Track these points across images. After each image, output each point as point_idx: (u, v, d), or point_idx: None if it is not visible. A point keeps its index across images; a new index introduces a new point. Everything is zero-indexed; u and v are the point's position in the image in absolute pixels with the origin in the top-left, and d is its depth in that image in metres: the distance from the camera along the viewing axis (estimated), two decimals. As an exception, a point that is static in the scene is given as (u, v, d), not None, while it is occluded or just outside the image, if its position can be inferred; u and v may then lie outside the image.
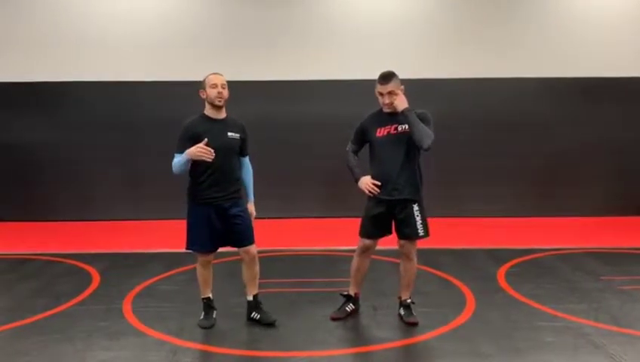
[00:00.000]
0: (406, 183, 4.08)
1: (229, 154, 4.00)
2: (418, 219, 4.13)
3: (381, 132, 4.10)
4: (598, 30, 8.66)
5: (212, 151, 3.79)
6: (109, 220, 8.48)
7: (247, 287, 4.28)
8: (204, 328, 4.11)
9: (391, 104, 4.02)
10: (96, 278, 5.48)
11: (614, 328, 4.10)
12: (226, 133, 4.00)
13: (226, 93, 4.01)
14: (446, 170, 8.61)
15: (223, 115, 4.04)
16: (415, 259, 4.25)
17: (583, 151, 8.71)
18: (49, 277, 5.56)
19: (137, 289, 5.12)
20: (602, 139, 8.69)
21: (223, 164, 3.95)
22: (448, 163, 8.61)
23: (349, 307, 4.38)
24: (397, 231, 4.21)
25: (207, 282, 4.22)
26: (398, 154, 4.05)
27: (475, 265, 5.93)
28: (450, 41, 8.68)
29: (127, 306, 4.65)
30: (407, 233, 4.14)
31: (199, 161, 3.85)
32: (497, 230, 7.88)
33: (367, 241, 4.25)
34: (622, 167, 8.77)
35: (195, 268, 4.32)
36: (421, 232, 4.15)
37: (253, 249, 4.15)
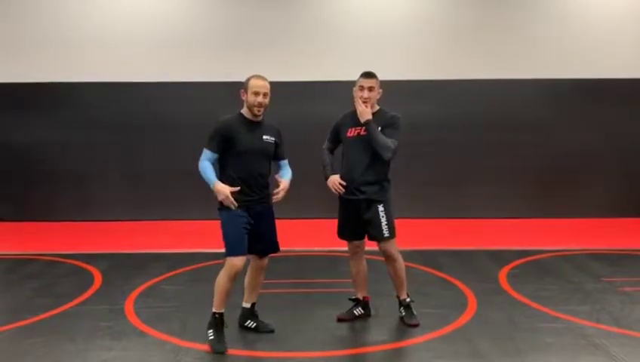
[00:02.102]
0: (371, 183, 4.10)
1: (262, 158, 3.90)
2: (383, 219, 4.11)
3: (351, 132, 4.16)
4: (600, 31, 8.66)
5: (235, 205, 3.73)
6: (111, 220, 8.48)
7: (246, 294, 4.18)
8: (220, 353, 3.72)
9: (368, 99, 4.07)
10: (99, 278, 5.49)
11: (615, 329, 4.09)
12: (262, 137, 3.90)
13: (267, 101, 3.87)
14: (447, 171, 8.63)
15: (259, 117, 3.94)
16: (399, 258, 4.22)
17: (585, 153, 8.70)
18: (51, 277, 5.57)
19: (139, 289, 5.12)
20: (604, 140, 8.68)
21: (256, 167, 3.86)
22: (450, 164, 8.62)
23: (358, 311, 4.36)
24: (366, 232, 4.22)
25: (228, 296, 3.86)
26: (365, 155, 4.08)
27: (477, 266, 5.93)
28: (451, 43, 8.68)
29: (129, 306, 4.66)
30: (373, 234, 4.15)
31: (231, 163, 3.79)
32: (499, 231, 7.88)
33: (351, 243, 4.28)
34: (623, 168, 8.76)
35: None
36: (386, 233, 4.12)
37: (267, 258, 4.13)
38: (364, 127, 4.06)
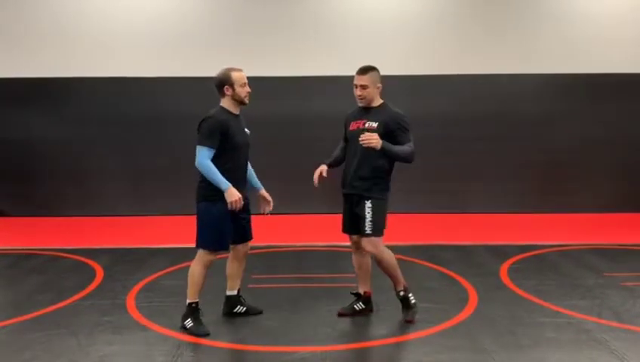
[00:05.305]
0: (362, 179, 4.07)
1: (246, 150, 3.99)
2: (368, 216, 4.02)
3: (353, 126, 4.15)
4: (601, 26, 8.63)
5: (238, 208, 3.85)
6: (113, 216, 8.50)
7: (230, 282, 4.24)
8: (206, 335, 3.89)
9: (362, 97, 4.05)
10: (100, 273, 5.50)
11: (616, 324, 4.10)
12: (244, 129, 4.02)
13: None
14: (448, 166, 8.62)
15: (239, 110, 4.02)
16: (384, 255, 4.07)
17: (586, 148, 8.69)
18: (53, 272, 5.58)
19: (141, 284, 5.14)
20: (605, 135, 8.67)
21: (242, 159, 3.94)
22: (450, 159, 8.61)
23: (358, 306, 4.35)
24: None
25: (202, 285, 4.00)
26: (359, 149, 4.01)
27: (478, 261, 5.93)
28: (451, 38, 8.66)
29: (130, 301, 4.67)
30: (356, 228, 4.13)
31: (220, 157, 3.82)
32: (500, 226, 7.88)
33: (352, 237, 4.27)
34: (624, 164, 8.75)
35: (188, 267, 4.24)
36: (368, 230, 4.03)
37: (248, 245, 4.21)
38: (364, 122, 4.04)
